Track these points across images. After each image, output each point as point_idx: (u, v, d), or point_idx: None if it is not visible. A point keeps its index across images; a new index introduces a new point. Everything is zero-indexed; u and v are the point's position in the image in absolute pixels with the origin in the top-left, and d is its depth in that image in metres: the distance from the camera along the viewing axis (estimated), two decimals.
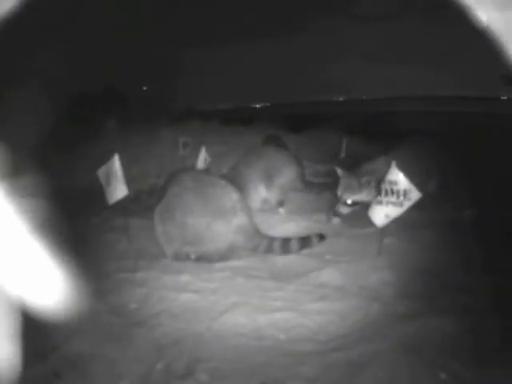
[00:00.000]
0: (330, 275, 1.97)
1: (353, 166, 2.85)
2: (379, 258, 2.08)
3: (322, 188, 3.58)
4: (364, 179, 2.60)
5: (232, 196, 2.28)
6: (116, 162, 2.42)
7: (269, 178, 3.18)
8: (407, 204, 2.01)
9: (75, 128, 5.72)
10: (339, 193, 2.66)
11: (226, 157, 4.80)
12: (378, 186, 2.49)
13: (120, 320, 1.66)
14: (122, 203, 2.50)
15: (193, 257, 2.20)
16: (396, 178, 2.02)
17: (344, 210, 2.68)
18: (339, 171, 2.71)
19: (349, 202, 2.65)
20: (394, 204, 2.03)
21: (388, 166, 2.51)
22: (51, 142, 5.11)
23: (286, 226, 2.70)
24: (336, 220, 2.75)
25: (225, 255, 2.20)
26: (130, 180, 2.54)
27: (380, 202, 2.08)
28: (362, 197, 2.62)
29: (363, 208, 2.62)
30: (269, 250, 2.25)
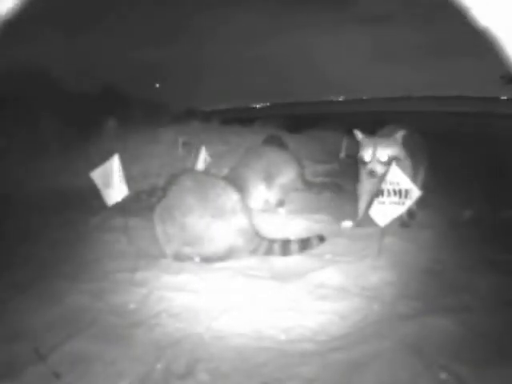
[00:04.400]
0: (329, 275, 1.96)
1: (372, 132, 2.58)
2: (379, 258, 2.07)
3: (322, 188, 3.58)
4: (397, 135, 2.33)
5: (232, 197, 2.28)
6: (116, 162, 2.42)
7: (269, 178, 3.18)
8: (408, 203, 2.02)
9: (75, 128, 5.72)
10: (369, 152, 2.34)
11: (226, 157, 4.80)
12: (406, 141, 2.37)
13: (120, 320, 1.66)
14: (122, 203, 2.50)
15: (197, 260, 2.20)
16: (396, 178, 2.02)
17: (380, 168, 2.33)
18: (358, 134, 2.44)
19: (384, 159, 2.32)
20: (395, 204, 2.03)
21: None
22: (52, 142, 5.12)
23: (286, 226, 2.70)
24: (347, 223, 2.63)
25: (224, 256, 2.20)
26: (129, 180, 2.54)
27: (381, 202, 2.07)
28: (395, 151, 2.33)
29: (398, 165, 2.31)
30: (268, 251, 2.24)
